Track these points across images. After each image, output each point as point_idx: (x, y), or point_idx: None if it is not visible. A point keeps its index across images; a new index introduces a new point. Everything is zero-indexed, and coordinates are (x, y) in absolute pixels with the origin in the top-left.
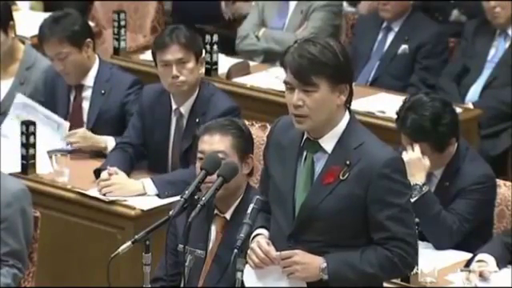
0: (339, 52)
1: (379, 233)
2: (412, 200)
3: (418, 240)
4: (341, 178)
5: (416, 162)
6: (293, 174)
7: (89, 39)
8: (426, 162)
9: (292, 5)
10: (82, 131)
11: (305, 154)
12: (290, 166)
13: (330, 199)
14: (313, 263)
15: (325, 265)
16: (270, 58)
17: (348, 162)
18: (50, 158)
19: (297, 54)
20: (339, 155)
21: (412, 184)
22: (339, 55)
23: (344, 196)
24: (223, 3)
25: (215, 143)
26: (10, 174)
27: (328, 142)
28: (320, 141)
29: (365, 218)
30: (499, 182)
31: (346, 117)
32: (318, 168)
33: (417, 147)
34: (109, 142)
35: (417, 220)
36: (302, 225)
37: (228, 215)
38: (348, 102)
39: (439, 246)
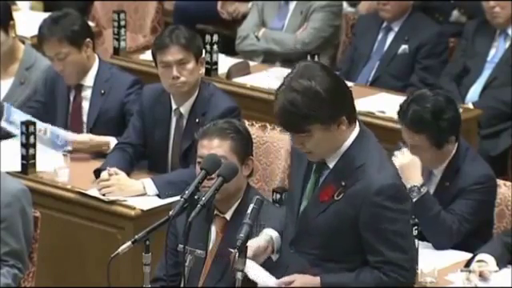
0: (324, 91)
1: (373, 256)
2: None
3: (415, 264)
4: (335, 198)
5: (409, 164)
6: (302, 180)
7: (88, 39)
8: (417, 160)
9: (292, 5)
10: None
11: (315, 165)
12: (303, 173)
13: (324, 217)
14: (312, 286)
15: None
16: (269, 58)
17: (343, 183)
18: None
19: (280, 106)
20: (337, 174)
21: (410, 186)
22: (324, 96)
23: (336, 216)
24: (219, 3)
25: (214, 148)
26: (10, 174)
27: (332, 159)
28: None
29: (359, 238)
30: (499, 181)
31: (354, 134)
32: (321, 180)
33: (406, 150)
34: (111, 142)
35: (416, 221)
36: (300, 235)
37: (228, 215)
38: (351, 123)
39: (439, 246)
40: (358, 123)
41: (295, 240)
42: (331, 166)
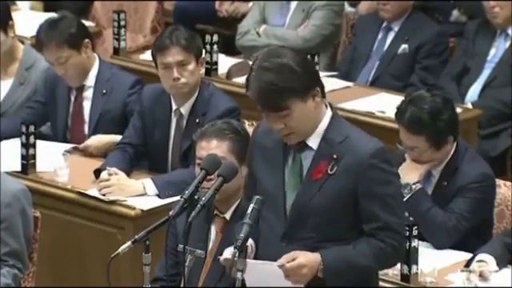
0: (296, 65)
1: (371, 223)
2: (404, 199)
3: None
4: (329, 172)
5: (409, 162)
6: (281, 175)
7: (86, 40)
8: (421, 168)
9: (293, 4)
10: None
11: (292, 153)
12: (277, 167)
13: (320, 196)
14: (314, 262)
15: (321, 263)
16: None
17: (335, 156)
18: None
19: (256, 88)
20: (325, 150)
21: (403, 183)
22: (297, 69)
23: (333, 191)
24: (217, 2)
25: (213, 149)
26: (10, 174)
27: (313, 140)
28: (306, 140)
29: (356, 211)
30: (499, 182)
31: (328, 113)
32: (306, 165)
33: (408, 158)
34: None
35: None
36: (295, 223)
37: (228, 215)
38: (323, 96)
39: (437, 245)
40: (330, 107)
41: (288, 232)
42: (315, 146)
